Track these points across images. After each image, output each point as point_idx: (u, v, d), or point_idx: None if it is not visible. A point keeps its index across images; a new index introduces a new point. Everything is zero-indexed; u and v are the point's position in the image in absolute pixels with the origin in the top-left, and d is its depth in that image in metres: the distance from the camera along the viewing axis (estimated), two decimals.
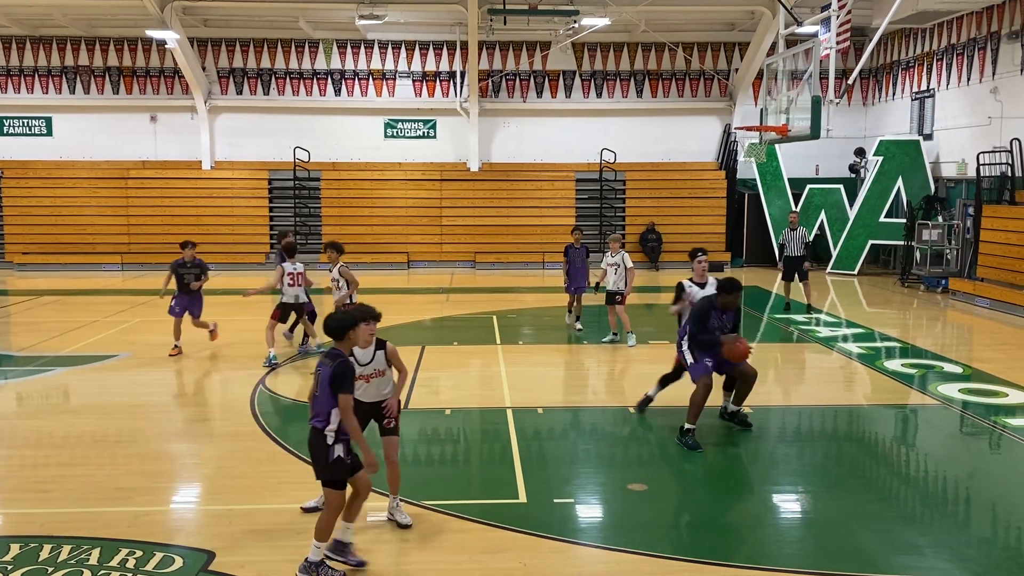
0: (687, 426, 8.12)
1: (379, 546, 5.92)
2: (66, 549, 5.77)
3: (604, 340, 12.93)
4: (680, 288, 9.21)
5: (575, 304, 13.93)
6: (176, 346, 12.05)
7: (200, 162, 24.29)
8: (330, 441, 5.35)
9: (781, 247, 15.92)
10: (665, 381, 9.00)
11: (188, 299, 12.13)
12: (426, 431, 8.61)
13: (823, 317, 15.53)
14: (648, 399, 9.09)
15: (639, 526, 6.29)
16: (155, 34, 21.64)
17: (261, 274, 22.26)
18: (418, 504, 6.53)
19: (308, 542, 5.88)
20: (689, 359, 8.33)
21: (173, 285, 12.16)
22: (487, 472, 7.63)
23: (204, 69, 24.14)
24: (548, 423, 8.93)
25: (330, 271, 11.18)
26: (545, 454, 7.97)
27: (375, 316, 5.97)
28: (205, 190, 24.05)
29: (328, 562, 5.43)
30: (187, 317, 12.18)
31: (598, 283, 13.04)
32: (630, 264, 12.62)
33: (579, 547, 5.98)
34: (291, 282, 11.49)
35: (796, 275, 15.67)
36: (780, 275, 16.60)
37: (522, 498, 6.77)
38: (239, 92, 24.45)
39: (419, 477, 7.33)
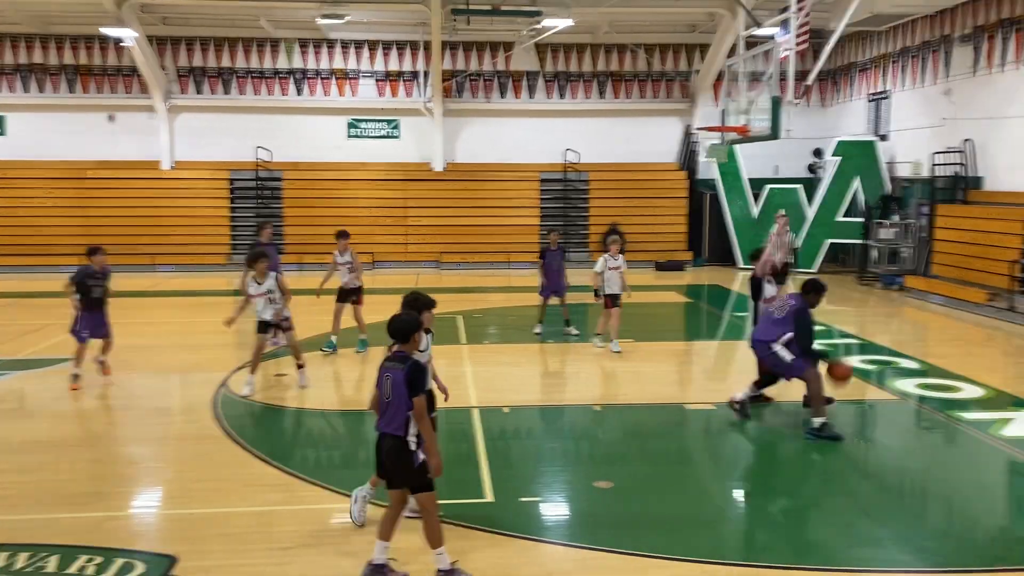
0: (820, 421, 8.30)
1: (345, 547, 5.89)
2: (23, 556, 5.65)
3: (599, 345, 12.43)
4: (758, 284, 9.95)
5: (562, 308, 13.43)
6: (77, 375, 10.17)
7: (159, 162, 23.93)
8: (413, 447, 5.23)
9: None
10: (759, 385, 9.16)
11: (96, 317, 10.38)
12: None
13: None
14: (756, 398, 9.21)
15: (605, 523, 6.33)
16: (112, 32, 21.27)
17: (222, 275, 22.02)
18: (384, 505, 6.50)
19: (273, 545, 5.85)
20: (788, 356, 8.46)
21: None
22: (453, 472, 7.59)
23: (163, 68, 23.78)
24: (514, 422, 8.95)
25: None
26: (511, 453, 7.99)
27: (434, 304, 6.13)
28: (165, 190, 23.70)
29: (457, 565, 5.36)
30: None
31: (596, 290, 12.25)
32: (624, 267, 12.32)
33: (546, 545, 6.00)
34: (350, 270, 12.32)
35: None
36: None
37: (489, 497, 6.78)
38: (199, 91, 24.13)
39: None
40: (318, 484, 7.04)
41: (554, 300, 13.51)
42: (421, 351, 5.89)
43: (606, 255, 12.23)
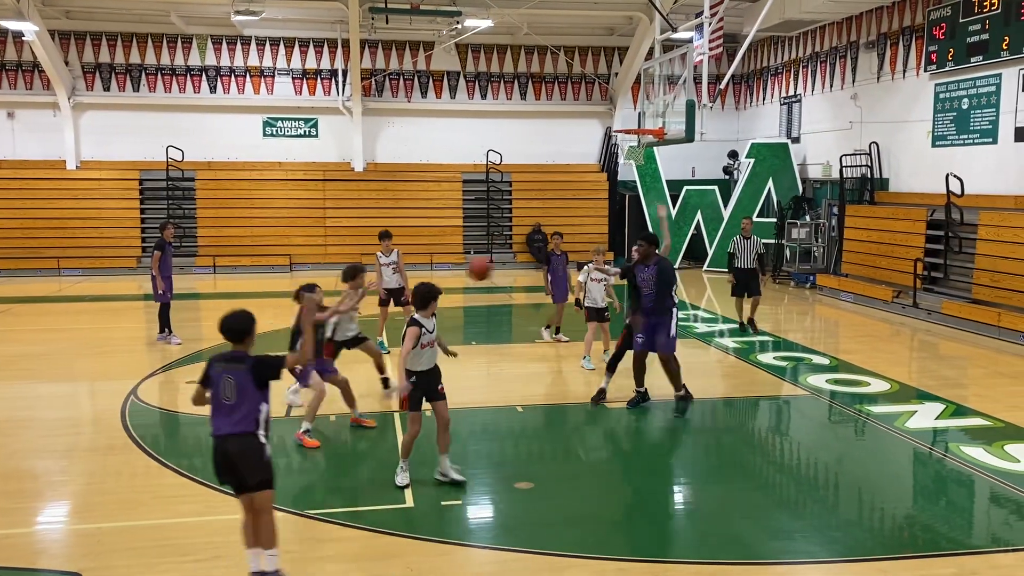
0: (639, 389, 9.47)
1: None
2: None
3: (589, 366, 11.26)
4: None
5: (558, 314, 12.85)
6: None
7: (64, 162, 22.95)
8: (263, 440, 5.11)
9: (731, 257, 13.99)
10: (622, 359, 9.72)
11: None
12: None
13: (701, 314, 16.04)
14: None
15: (526, 524, 6.33)
16: (11, 25, 20.27)
17: (132, 279, 21.24)
18: (300, 514, 6.37)
19: (185, 558, 5.68)
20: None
21: None
22: (374, 477, 7.51)
23: (67, 64, 22.82)
24: (435, 425, 8.84)
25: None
26: (433, 457, 7.89)
27: (441, 292, 6.91)
28: (70, 191, 22.74)
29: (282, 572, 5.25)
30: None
31: (577, 300, 11.44)
32: (612, 280, 11.38)
33: (467, 548, 5.96)
34: (394, 270, 12.44)
35: (746, 291, 13.93)
36: (730, 290, 14.15)
37: (409, 503, 6.69)
38: (106, 88, 23.24)
39: (303, 485, 7.16)
40: (232, 494, 6.82)
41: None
42: (429, 332, 6.70)
43: (589, 264, 11.22)
